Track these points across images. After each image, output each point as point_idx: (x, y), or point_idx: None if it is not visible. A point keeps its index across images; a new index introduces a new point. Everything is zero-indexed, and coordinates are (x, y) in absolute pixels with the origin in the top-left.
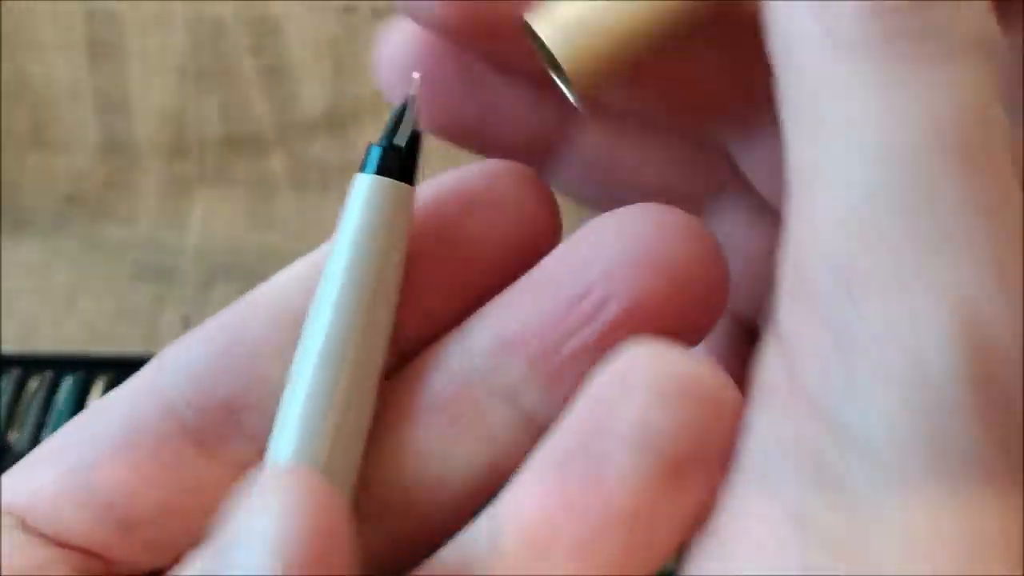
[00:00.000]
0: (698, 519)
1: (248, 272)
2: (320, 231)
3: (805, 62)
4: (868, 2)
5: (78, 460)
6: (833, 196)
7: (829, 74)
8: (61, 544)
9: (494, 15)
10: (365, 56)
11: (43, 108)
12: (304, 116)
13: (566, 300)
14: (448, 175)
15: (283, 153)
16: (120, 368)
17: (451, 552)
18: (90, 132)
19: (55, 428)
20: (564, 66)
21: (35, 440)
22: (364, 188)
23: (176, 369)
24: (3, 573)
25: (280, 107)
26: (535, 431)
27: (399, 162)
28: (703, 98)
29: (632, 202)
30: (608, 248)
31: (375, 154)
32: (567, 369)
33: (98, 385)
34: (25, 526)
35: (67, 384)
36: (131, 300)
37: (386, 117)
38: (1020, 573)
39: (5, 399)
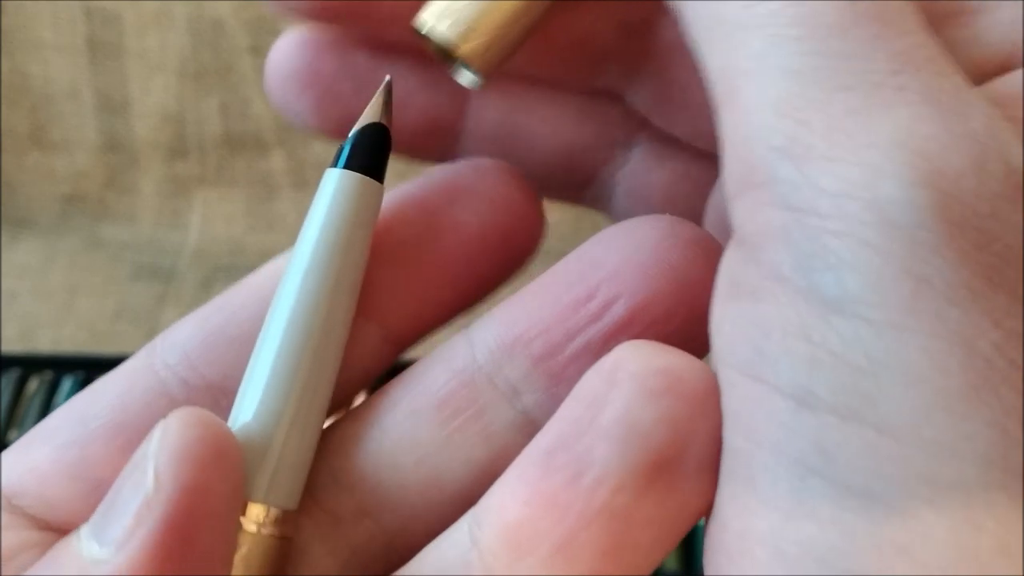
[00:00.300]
0: (686, 520)
1: (248, 271)
2: None
3: None
4: None
5: (70, 438)
6: (762, 86)
7: None
8: (45, 526)
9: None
10: None
11: (43, 108)
12: None
13: (573, 300)
14: (436, 170)
15: (283, 153)
16: None
17: (432, 552)
18: (90, 132)
19: None
20: (465, 56)
21: None
22: (333, 181)
23: (168, 350)
24: None
25: None
26: (532, 432)
27: (368, 159)
28: (587, 48)
29: (539, 166)
30: (617, 253)
31: (345, 150)
32: (569, 369)
33: None
34: (10, 507)
35: (67, 384)
36: (131, 300)
37: None
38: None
39: (5, 399)
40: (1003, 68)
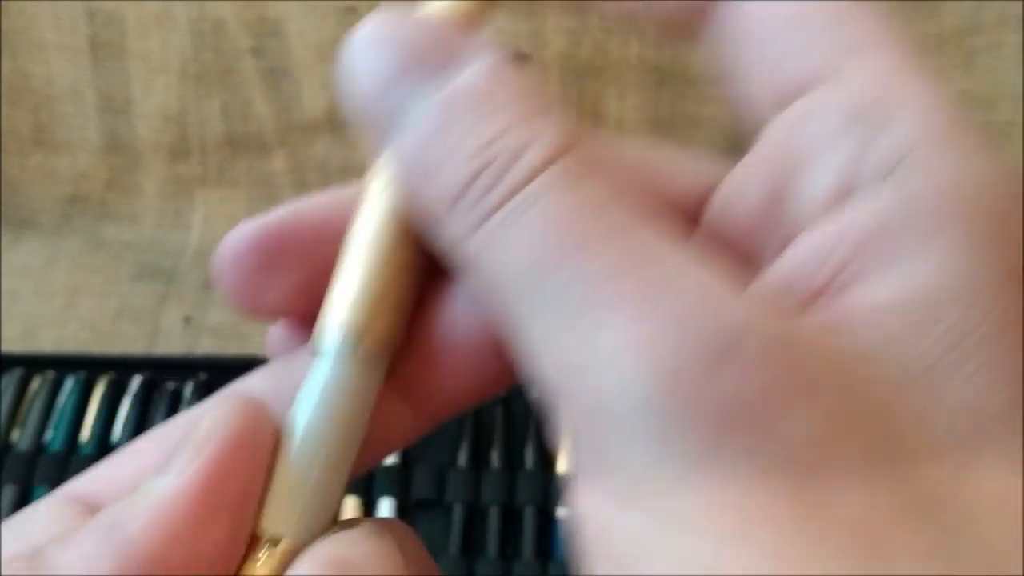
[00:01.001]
0: None
1: None
2: None
3: (466, 260)
4: (463, 185)
5: (157, 459)
6: (527, 330)
7: (479, 256)
8: None
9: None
10: None
11: (45, 109)
12: (305, 117)
13: None
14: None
15: (284, 154)
16: (122, 368)
17: None
18: (92, 133)
19: (57, 427)
20: (373, 354)
21: (37, 439)
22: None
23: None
24: (70, 561)
25: (281, 108)
26: None
27: None
28: None
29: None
30: None
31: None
32: None
33: (100, 385)
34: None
35: (69, 384)
36: (132, 300)
37: None
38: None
39: (8, 398)
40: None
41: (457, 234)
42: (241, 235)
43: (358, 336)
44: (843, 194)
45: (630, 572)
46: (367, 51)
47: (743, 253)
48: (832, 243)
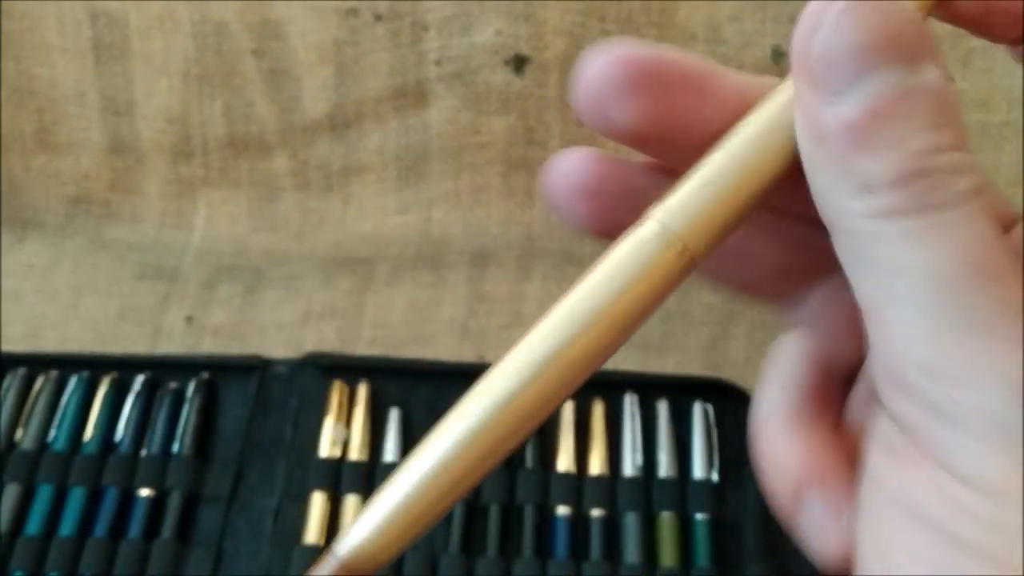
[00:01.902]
0: None
1: (251, 272)
2: (322, 232)
3: (854, 228)
4: (897, 178)
5: None
6: (903, 320)
7: (875, 235)
8: None
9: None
10: (367, 58)
11: (48, 110)
12: (307, 118)
13: None
14: None
15: (286, 155)
16: (125, 368)
17: None
18: (95, 134)
19: (60, 426)
20: (675, 262)
21: (41, 438)
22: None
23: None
24: None
25: (283, 109)
26: None
27: None
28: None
29: (758, 283)
30: None
31: None
32: None
33: (103, 384)
34: None
35: (72, 383)
36: (135, 300)
37: (387, 119)
38: None
39: (11, 398)
40: None
41: (859, 211)
42: (611, 57)
43: (672, 242)
44: None
45: None
46: (841, 20)
47: None
48: None
